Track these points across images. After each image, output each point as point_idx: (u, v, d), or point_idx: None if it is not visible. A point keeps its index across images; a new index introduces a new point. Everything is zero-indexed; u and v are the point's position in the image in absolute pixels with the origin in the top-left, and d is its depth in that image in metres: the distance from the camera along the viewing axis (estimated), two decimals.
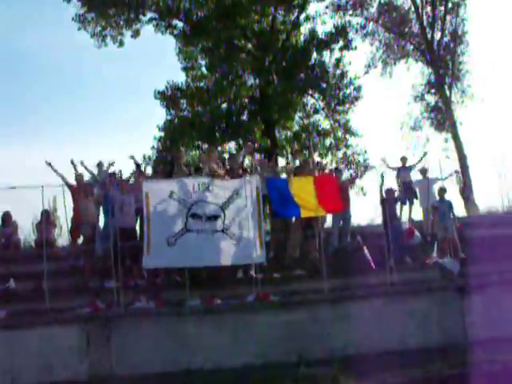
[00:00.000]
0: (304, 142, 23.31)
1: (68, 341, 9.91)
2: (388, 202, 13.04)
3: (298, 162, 14.17)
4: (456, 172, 14.93)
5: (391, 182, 14.42)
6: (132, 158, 13.34)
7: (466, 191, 21.30)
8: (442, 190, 13.78)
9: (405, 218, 14.90)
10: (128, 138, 43.76)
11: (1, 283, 11.76)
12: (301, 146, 23.14)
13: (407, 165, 15.75)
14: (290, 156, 23.87)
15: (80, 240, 12.90)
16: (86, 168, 13.36)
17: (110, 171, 13.63)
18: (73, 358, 9.81)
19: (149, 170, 15.72)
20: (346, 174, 15.35)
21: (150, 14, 24.75)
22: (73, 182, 12.84)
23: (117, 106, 50.02)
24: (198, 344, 10.06)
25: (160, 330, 10.18)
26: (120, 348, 9.99)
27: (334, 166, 21.35)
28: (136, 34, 25.20)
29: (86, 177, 13.27)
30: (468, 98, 27.17)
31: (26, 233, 16.38)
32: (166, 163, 13.66)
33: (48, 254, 11.15)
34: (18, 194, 11.71)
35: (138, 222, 12.41)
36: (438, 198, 13.84)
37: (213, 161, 12.45)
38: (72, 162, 13.05)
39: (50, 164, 12.30)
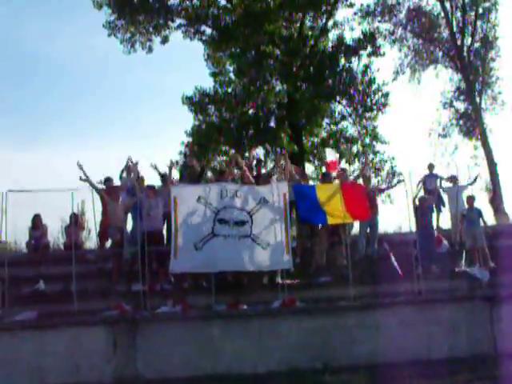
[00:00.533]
0: (332, 149, 23.27)
1: (95, 343, 10.00)
2: (421, 210, 12.92)
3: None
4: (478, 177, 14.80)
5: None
6: (155, 167, 13.35)
7: (496, 200, 21.02)
8: (471, 198, 13.59)
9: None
10: (153, 142, 44.23)
11: (30, 284, 11.95)
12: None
13: (434, 172, 15.60)
14: (317, 163, 23.85)
15: (108, 243, 13.04)
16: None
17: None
18: (99, 360, 9.90)
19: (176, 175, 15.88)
20: (373, 181, 15.21)
21: (178, 21, 24.98)
22: (101, 186, 12.95)
23: (144, 112, 50.57)
24: (224, 349, 10.07)
25: (185, 335, 10.21)
26: (146, 351, 10.05)
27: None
28: (165, 40, 25.42)
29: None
30: (498, 104, 26.78)
31: (55, 235, 16.62)
32: (194, 169, 13.61)
33: (76, 257, 11.31)
34: (47, 198, 11.93)
35: (165, 226, 12.50)
36: (466, 206, 13.65)
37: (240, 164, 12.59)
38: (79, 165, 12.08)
39: (81, 167, 12.01)
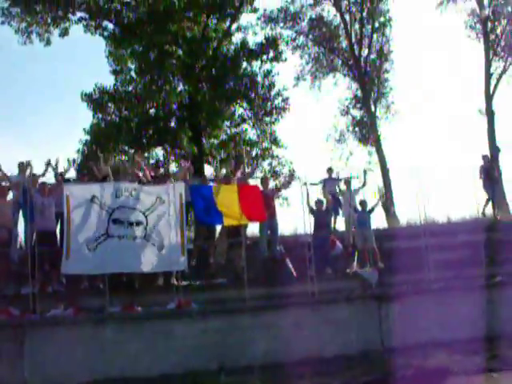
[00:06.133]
0: (231, 151, 23.37)
1: None
2: (317, 212, 13.27)
3: (224, 171, 14.09)
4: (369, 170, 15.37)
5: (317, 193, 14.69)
6: (48, 163, 12.76)
7: (388, 203, 22.02)
8: (363, 202, 14.16)
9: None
10: (52, 140, 42.49)
11: None
12: (227, 155, 23.20)
13: (333, 176, 16.09)
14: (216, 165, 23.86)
15: None
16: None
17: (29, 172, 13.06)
18: None
19: (73, 174, 15.29)
20: (271, 184, 15.44)
21: (79, 14, 24.07)
22: None
23: (40, 107, 48.41)
24: (117, 352, 9.86)
25: (77, 339, 9.88)
26: (34, 358, 9.62)
27: (260, 175, 21.36)
28: (64, 32, 24.38)
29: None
30: (391, 113, 28.15)
31: None
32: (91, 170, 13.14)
33: None
34: None
35: (59, 226, 12.01)
36: (359, 209, 14.19)
37: (137, 167, 12.33)
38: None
39: None
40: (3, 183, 12.37)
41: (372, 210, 14.09)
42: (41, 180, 12.28)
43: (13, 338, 9.63)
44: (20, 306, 10.42)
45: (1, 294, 11.03)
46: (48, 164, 12.55)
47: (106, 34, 24.38)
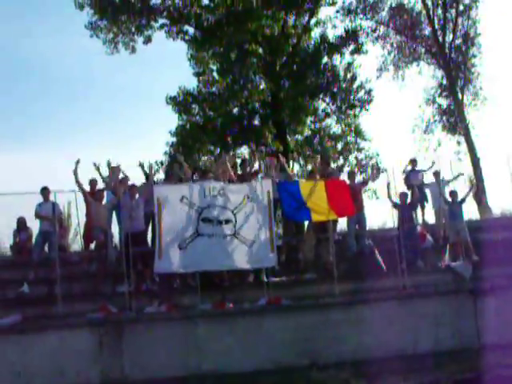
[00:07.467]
0: (316, 147, 23.35)
1: (80, 345, 9.92)
2: (401, 205, 13.02)
3: (310, 167, 14.12)
4: (461, 174, 14.73)
5: (402, 185, 14.42)
6: (141, 166, 13.31)
7: (479, 194, 21.20)
8: (454, 193, 13.70)
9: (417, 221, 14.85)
10: (140, 143, 44.12)
11: (15, 288, 11.85)
12: (313, 150, 23.20)
13: (417, 168, 15.68)
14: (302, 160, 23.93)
15: (93, 245, 12.97)
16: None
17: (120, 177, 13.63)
18: (85, 363, 9.83)
19: (161, 175, 15.86)
20: (358, 178, 15.23)
21: (161, 20, 24.90)
22: (87, 187, 12.90)
23: (128, 112, 50.36)
24: (210, 348, 10.06)
25: (171, 334, 10.18)
26: (132, 352, 10.01)
27: (347, 169, 21.22)
28: (148, 40, 25.33)
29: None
30: (480, 100, 27.01)
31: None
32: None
33: (61, 260, 11.24)
34: (29, 200, 11.89)
35: (150, 226, 12.44)
36: (450, 200, 13.75)
37: (222, 167, 12.56)
38: (95, 165, 12.75)
39: (77, 163, 12.03)
40: (98, 187, 13.05)
41: (463, 200, 13.61)
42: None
43: (112, 333, 10.05)
44: (117, 303, 10.86)
45: (99, 293, 11.61)
46: (141, 166, 13.10)
47: (186, 37, 25.06)
